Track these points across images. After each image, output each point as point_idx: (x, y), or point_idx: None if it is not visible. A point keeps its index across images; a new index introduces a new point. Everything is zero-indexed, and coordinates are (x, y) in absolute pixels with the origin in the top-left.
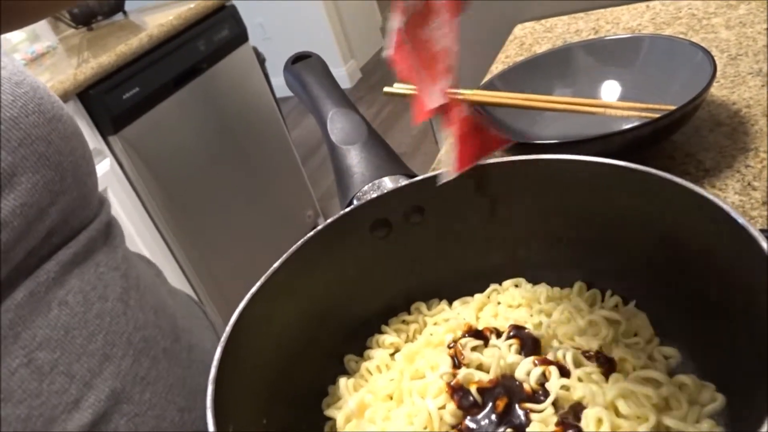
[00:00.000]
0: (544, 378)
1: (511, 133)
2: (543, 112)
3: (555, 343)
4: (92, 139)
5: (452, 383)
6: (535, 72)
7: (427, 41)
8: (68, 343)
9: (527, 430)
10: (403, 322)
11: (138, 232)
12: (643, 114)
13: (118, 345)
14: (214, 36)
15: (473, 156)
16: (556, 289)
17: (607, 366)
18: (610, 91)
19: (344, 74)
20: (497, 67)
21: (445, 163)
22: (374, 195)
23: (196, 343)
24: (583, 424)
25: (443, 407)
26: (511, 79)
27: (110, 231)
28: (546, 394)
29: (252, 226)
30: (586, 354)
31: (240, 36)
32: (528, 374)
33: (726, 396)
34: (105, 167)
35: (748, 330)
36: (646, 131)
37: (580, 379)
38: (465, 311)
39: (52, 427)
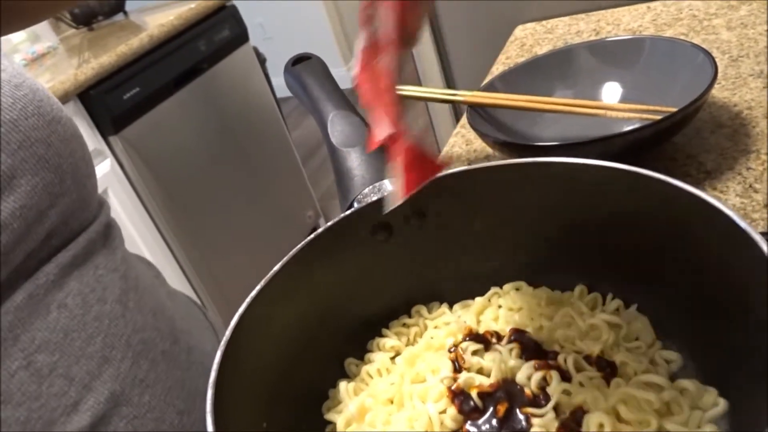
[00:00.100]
0: (545, 382)
1: (512, 135)
2: (544, 113)
3: (556, 347)
4: (93, 139)
5: (453, 387)
6: (536, 73)
7: (378, 72)
8: (67, 345)
9: None
10: (404, 325)
11: (138, 233)
12: (644, 116)
13: (117, 347)
14: (215, 36)
15: (418, 181)
16: (557, 293)
17: (609, 370)
18: (611, 92)
19: (345, 74)
20: (498, 68)
21: (392, 190)
22: (375, 198)
23: (195, 344)
24: (584, 428)
25: (444, 412)
26: (511, 80)
27: (109, 233)
28: (547, 398)
29: (252, 226)
30: (587, 358)
31: (240, 36)
32: (529, 378)
33: (728, 400)
34: (105, 167)
35: (750, 333)
36: (647, 133)
37: (581, 384)
38: (465, 314)
39: (52, 430)
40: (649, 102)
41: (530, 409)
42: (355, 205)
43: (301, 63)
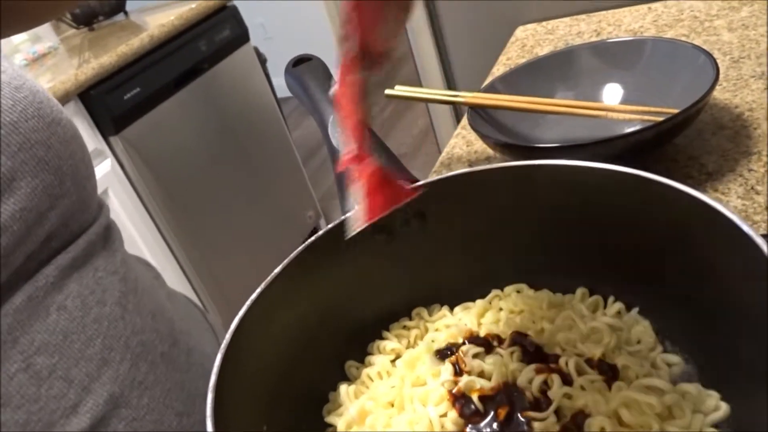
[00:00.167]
0: (546, 386)
1: (513, 136)
2: (545, 114)
3: (557, 350)
4: (93, 139)
5: (454, 391)
6: (537, 74)
7: (350, 91)
8: (66, 347)
9: None
10: (404, 327)
11: (139, 233)
12: (646, 117)
13: (116, 349)
14: (216, 36)
15: (382, 206)
16: (558, 295)
17: (610, 374)
18: (612, 93)
19: None
20: (498, 70)
21: (354, 212)
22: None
23: (195, 346)
24: None
25: (444, 415)
26: (512, 81)
27: (109, 235)
28: (548, 402)
29: (253, 226)
30: (589, 361)
31: (241, 36)
32: (530, 382)
33: (730, 403)
34: (106, 168)
35: (752, 336)
36: (648, 135)
37: (582, 387)
38: (466, 317)
39: None
40: (650, 103)
41: (531, 413)
42: (356, 207)
43: (302, 64)
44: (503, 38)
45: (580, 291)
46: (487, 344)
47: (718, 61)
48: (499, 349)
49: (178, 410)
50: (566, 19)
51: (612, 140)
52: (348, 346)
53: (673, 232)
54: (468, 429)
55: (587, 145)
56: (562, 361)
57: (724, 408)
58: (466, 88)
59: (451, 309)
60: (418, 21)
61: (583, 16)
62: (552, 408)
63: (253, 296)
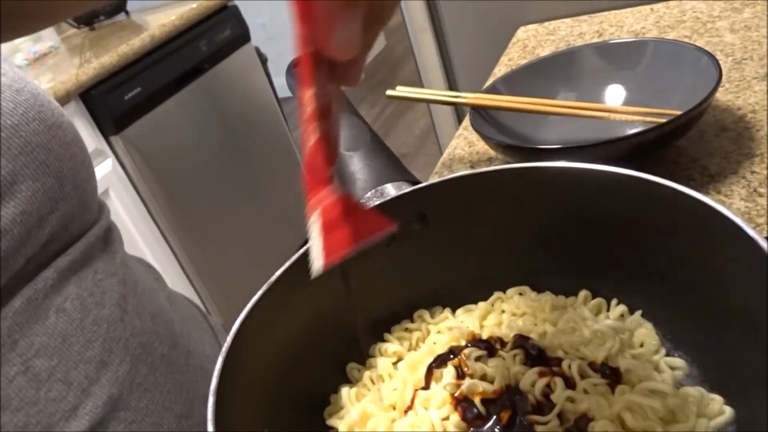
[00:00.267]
0: (549, 389)
1: (515, 137)
2: (546, 116)
3: (560, 353)
4: (94, 139)
5: (456, 394)
6: (539, 75)
7: (307, 104)
8: (66, 350)
9: None
10: (406, 329)
11: (139, 233)
12: (648, 119)
13: (116, 352)
14: (216, 36)
15: (345, 244)
16: (561, 298)
17: (613, 377)
18: (615, 95)
19: None
20: (500, 70)
21: (313, 253)
22: (377, 202)
23: (195, 348)
24: None
25: (447, 418)
26: (514, 82)
27: (109, 237)
28: (551, 405)
29: (254, 226)
30: (592, 365)
31: (242, 36)
32: (533, 385)
33: (734, 407)
34: (107, 167)
35: (756, 339)
36: (650, 136)
37: (585, 391)
38: (468, 319)
39: None
40: (652, 105)
41: (534, 417)
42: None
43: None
44: (505, 39)
45: (583, 293)
46: (489, 347)
47: (720, 62)
48: (501, 352)
49: (178, 412)
50: (568, 20)
51: (614, 142)
52: (349, 349)
53: (676, 234)
54: None
55: (589, 146)
56: (564, 365)
57: (728, 412)
58: (467, 89)
59: (453, 311)
60: (419, 21)
61: (585, 17)
62: (555, 411)
63: (255, 299)
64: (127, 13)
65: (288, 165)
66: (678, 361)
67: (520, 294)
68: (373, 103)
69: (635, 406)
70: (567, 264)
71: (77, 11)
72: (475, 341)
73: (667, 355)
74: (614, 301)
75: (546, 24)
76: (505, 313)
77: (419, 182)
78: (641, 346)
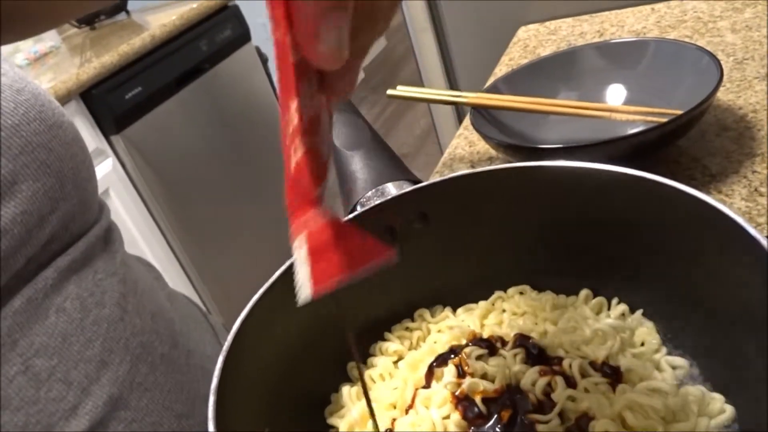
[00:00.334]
0: (549, 388)
1: (516, 137)
2: (547, 115)
3: (561, 353)
4: (94, 138)
5: (457, 393)
6: (540, 75)
7: (293, 119)
8: (66, 350)
9: None
10: (407, 329)
11: (140, 232)
12: (649, 118)
13: (116, 351)
14: (217, 36)
15: (335, 273)
16: (562, 297)
17: (614, 376)
18: (616, 94)
19: None
20: (501, 70)
21: (299, 281)
22: (378, 201)
23: (195, 347)
24: None
25: (448, 417)
26: (515, 82)
27: (109, 237)
28: (552, 404)
29: (254, 225)
30: (593, 364)
31: (243, 36)
32: (534, 384)
33: (735, 406)
34: (107, 167)
35: (757, 338)
36: (652, 136)
37: (586, 390)
38: (469, 318)
39: None
40: (653, 104)
41: (535, 416)
42: (358, 208)
43: None
44: (505, 38)
45: (584, 292)
46: (490, 346)
47: (721, 62)
48: (502, 351)
49: (178, 412)
50: (569, 20)
51: (615, 141)
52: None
53: (678, 233)
54: (471, 431)
55: (590, 146)
56: (565, 364)
57: (729, 411)
58: (468, 89)
59: (454, 310)
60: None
61: (586, 17)
62: (556, 410)
63: (255, 298)
64: (127, 12)
65: None
66: (679, 360)
67: (521, 293)
68: (373, 103)
69: (636, 405)
70: (568, 263)
71: (78, 13)
72: (476, 340)
73: (668, 354)
74: (615, 300)
75: (547, 24)
76: (505, 312)
77: (420, 181)
78: (642, 345)
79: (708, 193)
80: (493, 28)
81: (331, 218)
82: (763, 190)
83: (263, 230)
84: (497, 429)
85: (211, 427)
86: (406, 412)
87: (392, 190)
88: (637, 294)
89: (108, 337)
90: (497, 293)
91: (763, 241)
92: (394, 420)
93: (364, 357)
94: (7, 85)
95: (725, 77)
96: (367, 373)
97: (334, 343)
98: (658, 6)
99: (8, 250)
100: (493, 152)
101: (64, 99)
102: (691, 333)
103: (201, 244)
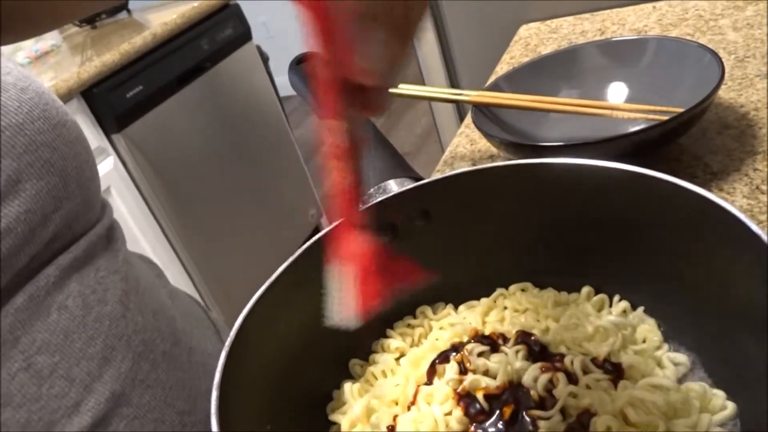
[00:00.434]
0: (551, 385)
1: (517, 135)
2: (549, 113)
3: (562, 349)
4: (96, 137)
5: (459, 390)
6: (541, 73)
7: (335, 144)
8: (68, 347)
9: None
10: (408, 326)
11: (141, 231)
12: (650, 116)
13: (118, 348)
14: (218, 35)
15: (379, 295)
16: (564, 294)
17: (615, 373)
18: (617, 92)
19: None
20: (502, 68)
21: (339, 306)
22: (380, 198)
23: (197, 345)
24: (591, 431)
25: (449, 414)
26: (516, 80)
27: (112, 235)
28: (554, 401)
29: (255, 224)
30: (594, 360)
31: (243, 35)
32: (535, 381)
33: (737, 402)
34: (108, 166)
35: (758, 335)
36: (653, 134)
37: (588, 386)
38: (471, 316)
39: (52, 431)
40: (654, 102)
41: (537, 412)
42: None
43: (306, 62)
44: (507, 37)
45: (586, 290)
46: (492, 343)
47: (723, 60)
48: (504, 348)
49: (180, 409)
50: (570, 18)
51: (616, 139)
52: (351, 344)
53: (679, 231)
54: (473, 428)
55: (591, 143)
56: (567, 360)
57: (730, 407)
58: (469, 87)
59: (456, 308)
60: None
61: (587, 15)
62: (557, 407)
63: (257, 294)
64: (128, 11)
65: (289, 163)
66: (680, 357)
67: (523, 290)
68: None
69: (638, 401)
70: (569, 260)
71: (80, 14)
72: (478, 337)
73: (670, 350)
74: (616, 298)
75: (548, 22)
76: (507, 310)
77: (422, 179)
78: (644, 341)
79: (709, 190)
80: (495, 26)
81: (377, 244)
82: (764, 187)
83: (264, 228)
84: (499, 425)
85: (214, 422)
86: (408, 408)
87: (394, 187)
88: (639, 291)
89: (110, 335)
90: (499, 290)
91: (764, 237)
92: (396, 416)
93: (366, 354)
94: (11, 83)
95: (726, 75)
96: (369, 370)
97: (336, 340)
98: (659, 4)
99: (12, 249)
100: (494, 150)
101: (66, 97)
102: (692, 330)
103: (202, 243)
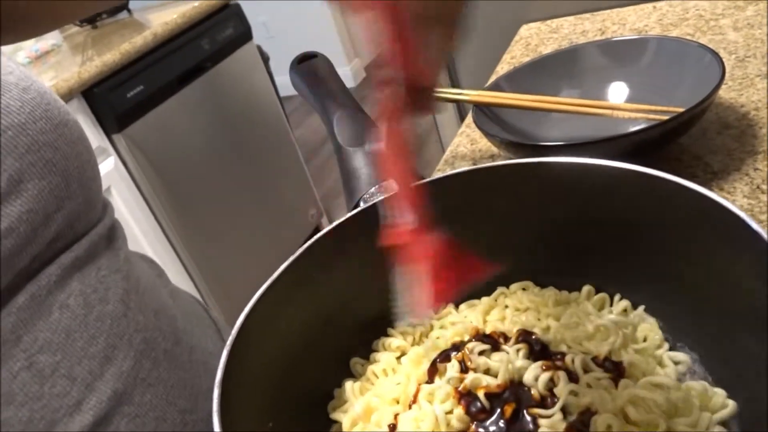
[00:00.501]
0: (552, 383)
1: (518, 135)
2: (549, 113)
3: (563, 348)
4: (96, 137)
5: (460, 388)
6: (542, 73)
7: (398, 145)
8: (69, 345)
9: None
10: (409, 324)
11: (141, 231)
12: (651, 116)
13: (119, 347)
14: (218, 34)
15: (448, 290)
16: (564, 293)
17: (616, 371)
18: (618, 92)
19: (348, 73)
20: (503, 68)
21: (411, 299)
22: (381, 197)
23: (198, 344)
24: (592, 430)
25: (451, 412)
26: (517, 79)
27: (113, 234)
28: (554, 399)
29: (255, 224)
30: (595, 359)
31: (244, 34)
32: (536, 379)
33: (737, 401)
34: (109, 165)
35: (758, 334)
36: (654, 133)
37: (589, 385)
38: (472, 314)
39: (54, 430)
40: (655, 102)
41: (537, 410)
42: (362, 204)
43: (307, 61)
44: (507, 37)
45: (586, 289)
46: (493, 342)
47: (723, 60)
48: (505, 347)
49: (182, 407)
50: (570, 18)
51: (617, 139)
52: (353, 343)
53: (680, 229)
54: (474, 426)
55: (592, 143)
56: (568, 359)
57: (731, 405)
58: (470, 87)
59: (457, 306)
60: None
61: (588, 15)
62: (558, 405)
63: (259, 293)
64: (129, 11)
65: (289, 163)
66: (681, 356)
67: (524, 289)
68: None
69: (638, 399)
70: (569, 259)
71: (80, 14)
72: (479, 336)
73: (670, 349)
74: (617, 297)
75: (549, 22)
76: (508, 308)
77: (423, 178)
78: (644, 340)
79: (710, 190)
80: (495, 26)
81: (444, 241)
82: (764, 187)
83: (264, 228)
84: (500, 424)
85: (216, 420)
86: (409, 407)
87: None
88: (640, 290)
89: (111, 334)
90: (500, 289)
91: (766, 237)
92: (397, 415)
93: (367, 353)
94: (14, 83)
95: (727, 75)
96: (370, 369)
97: (337, 339)
98: (659, 4)
99: (14, 248)
100: (495, 150)
101: (66, 97)
102: (693, 328)
103: (202, 242)
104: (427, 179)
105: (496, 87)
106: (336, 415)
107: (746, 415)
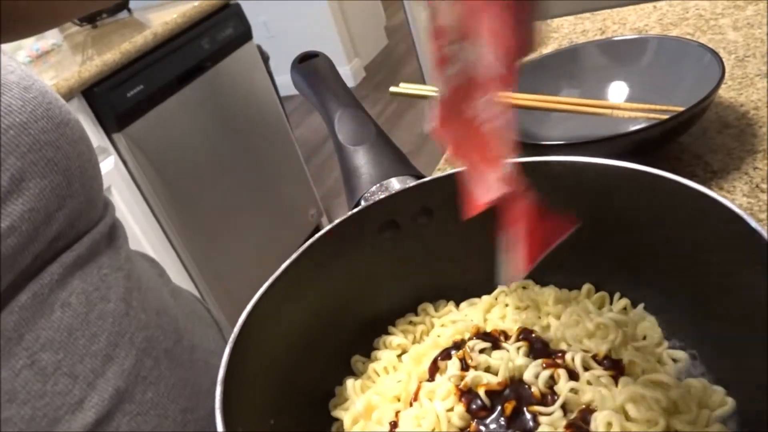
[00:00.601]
0: (552, 381)
1: (518, 134)
2: (549, 112)
3: (563, 346)
4: (96, 136)
5: (461, 386)
6: (542, 72)
7: (473, 121)
8: (71, 344)
9: None
10: (410, 323)
11: (142, 230)
12: (651, 115)
13: (121, 346)
14: (218, 34)
15: (541, 248)
16: (564, 291)
17: (616, 369)
18: (618, 91)
19: (348, 73)
20: None
21: (509, 262)
22: (382, 196)
23: (199, 343)
24: (592, 427)
25: (451, 410)
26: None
27: (114, 233)
28: (555, 397)
29: (255, 224)
30: (595, 357)
31: (244, 34)
32: (537, 377)
33: (736, 399)
34: (109, 165)
35: (758, 332)
36: (654, 133)
37: (589, 383)
38: (472, 312)
39: (56, 428)
40: (655, 101)
41: (538, 408)
42: (362, 203)
43: (308, 61)
44: None
45: (586, 287)
46: (493, 340)
47: (723, 59)
48: (505, 345)
49: (183, 406)
50: (570, 18)
51: (617, 138)
52: (354, 341)
53: (680, 228)
54: (475, 424)
55: (592, 142)
56: (568, 357)
57: (730, 403)
58: None
59: (457, 305)
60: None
61: (588, 15)
62: (558, 403)
63: (260, 291)
64: (129, 10)
65: (289, 163)
66: (680, 353)
67: (524, 288)
68: (374, 101)
69: (638, 397)
70: (570, 258)
71: (79, 13)
72: (480, 334)
73: (670, 347)
74: (617, 295)
75: (549, 21)
76: (508, 307)
77: (424, 176)
78: (644, 338)
79: (709, 189)
80: None
81: (534, 201)
82: (764, 186)
83: (264, 228)
84: (500, 421)
85: (218, 418)
86: (410, 404)
87: (396, 185)
88: (639, 288)
89: (113, 332)
90: (500, 287)
91: (765, 235)
92: (398, 412)
93: (368, 351)
94: (15, 82)
95: (727, 74)
96: (371, 367)
97: (339, 336)
98: (659, 4)
99: (16, 247)
100: None
101: (66, 97)
102: (692, 326)
103: (202, 242)
104: (430, 177)
105: None
106: (337, 413)
107: (745, 413)
